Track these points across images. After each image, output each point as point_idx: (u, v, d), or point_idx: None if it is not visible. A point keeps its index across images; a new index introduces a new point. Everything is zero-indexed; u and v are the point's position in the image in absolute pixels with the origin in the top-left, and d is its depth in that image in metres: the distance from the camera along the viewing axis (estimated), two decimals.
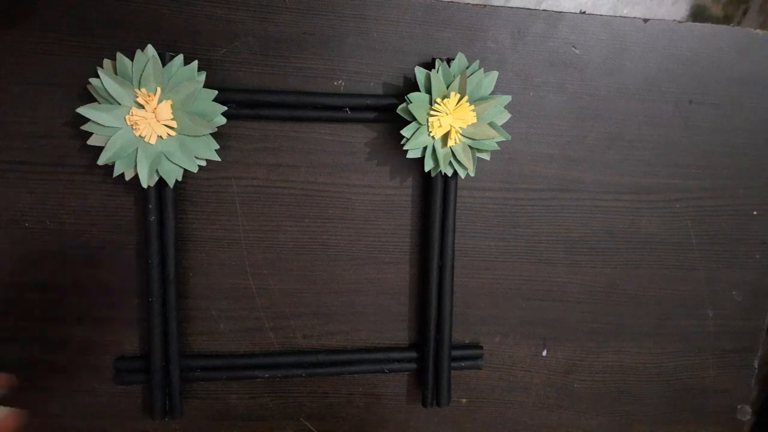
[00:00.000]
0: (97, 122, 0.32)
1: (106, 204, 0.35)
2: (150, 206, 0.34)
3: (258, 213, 0.37)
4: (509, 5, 0.37)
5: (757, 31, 0.40)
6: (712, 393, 0.45)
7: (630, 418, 0.44)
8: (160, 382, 0.36)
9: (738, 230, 0.43)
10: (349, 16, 0.35)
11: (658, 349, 0.44)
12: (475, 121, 0.35)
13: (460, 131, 0.35)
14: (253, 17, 0.35)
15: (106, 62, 0.32)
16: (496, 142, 0.36)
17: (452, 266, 0.38)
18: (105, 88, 0.31)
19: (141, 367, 0.36)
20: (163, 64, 0.32)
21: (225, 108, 0.33)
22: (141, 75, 0.31)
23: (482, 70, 0.35)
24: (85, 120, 0.32)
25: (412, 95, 0.34)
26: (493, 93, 0.36)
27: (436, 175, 0.36)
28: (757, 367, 0.45)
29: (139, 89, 0.31)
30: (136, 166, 0.32)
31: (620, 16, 0.38)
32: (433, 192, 0.37)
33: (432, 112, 0.34)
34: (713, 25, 0.39)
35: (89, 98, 0.32)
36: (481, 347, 0.41)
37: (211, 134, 0.33)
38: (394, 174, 0.38)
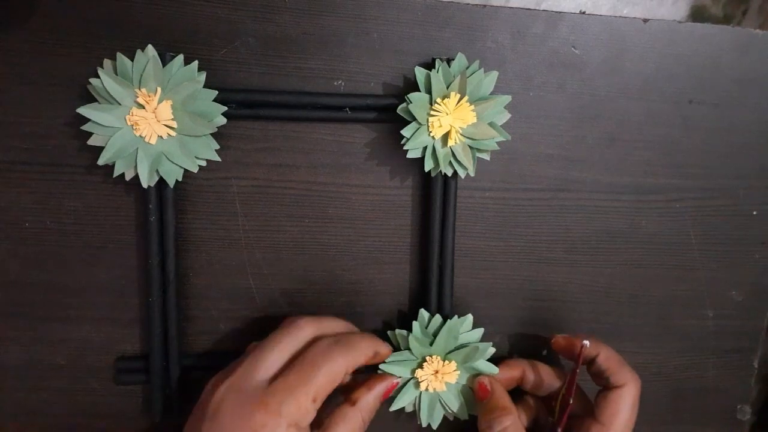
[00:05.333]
0: (97, 122, 0.32)
1: (106, 204, 0.35)
2: (150, 206, 0.34)
3: (258, 213, 0.37)
4: (509, 5, 0.37)
5: (757, 31, 0.40)
6: (712, 393, 0.45)
7: None
8: (160, 382, 0.36)
9: (738, 230, 0.43)
10: (349, 16, 0.35)
11: (658, 349, 0.43)
12: (475, 121, 0.35)
13: (460, 131, 0.35)
14: (253, 17, 0.35)
15: (107, 62, 0.32)
16: (496, 142, 0.36)
17: (452, 266, 0.38)
18: (105, 88, 0.31)
19: (141, 367, 0.36)
20: (164, 65, 0.32)
21: (225, 108, 0.33)
22: (141, 75, 0.31)
23: (482, 70, 0.35)
24: (86, 120, 0.32)
25: (412, 95, 0.34)
26: (493, 93, 0.36)
27: (436, 175, 0.36)
28: (757, 366, 0.45)
29: (140, 89, 0.31)
30: (136, 166, 0.32)
31: (620, 16, 0.38)
32: (433, 192, 0.37)
33: (432, 112, 0.34)
34: (713, 25, 0.39)
35: (89, 98, 0.32)
36: None
37: (211, 134, 0.33)
38: (394, 174, 0.38)
